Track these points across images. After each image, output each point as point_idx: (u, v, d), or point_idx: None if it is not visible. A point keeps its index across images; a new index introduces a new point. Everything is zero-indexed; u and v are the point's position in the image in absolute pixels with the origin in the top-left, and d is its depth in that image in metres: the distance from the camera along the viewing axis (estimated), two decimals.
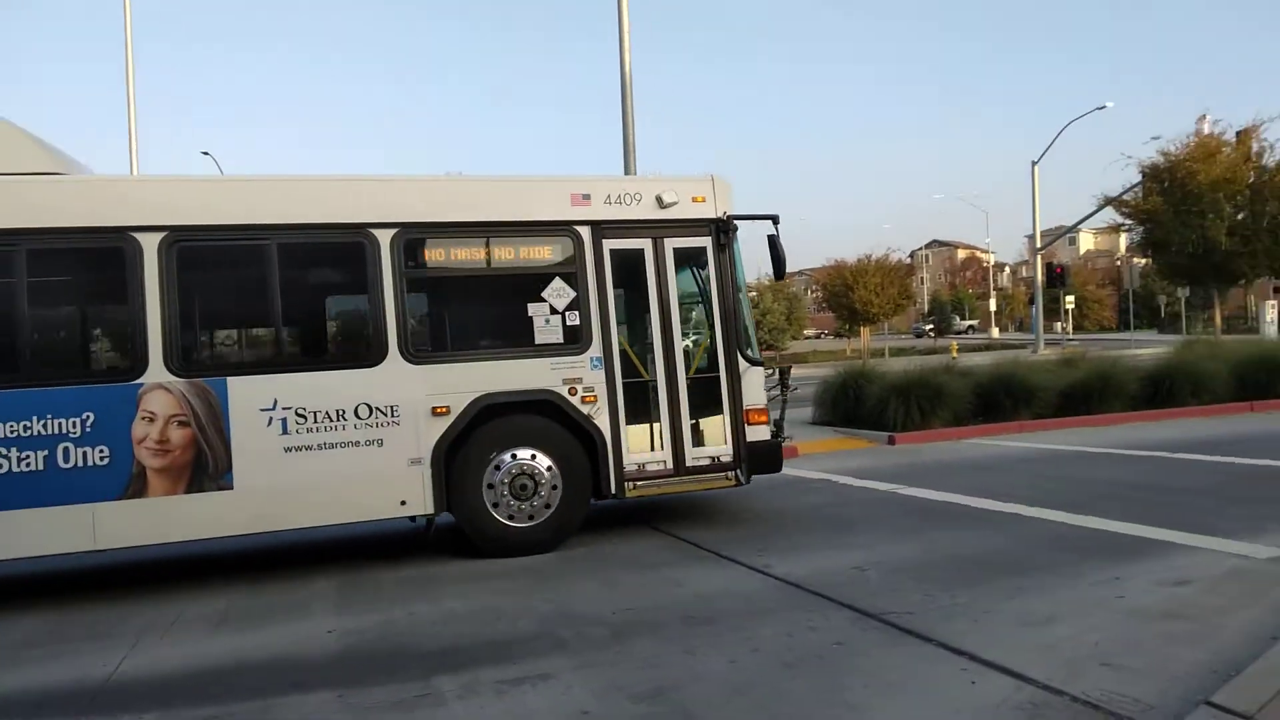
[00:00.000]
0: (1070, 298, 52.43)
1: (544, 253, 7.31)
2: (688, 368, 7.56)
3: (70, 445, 6.09)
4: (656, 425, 7.44)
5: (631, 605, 5.43)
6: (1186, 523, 6.64)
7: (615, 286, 7.40)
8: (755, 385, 7.71)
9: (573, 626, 5.07)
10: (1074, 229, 45.30)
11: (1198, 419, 13.83)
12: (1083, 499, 7.79)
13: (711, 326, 7.69)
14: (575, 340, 7.18)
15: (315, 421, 6.56)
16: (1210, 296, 41.03)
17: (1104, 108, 33.74)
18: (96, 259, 6.54)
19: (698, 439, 7.58)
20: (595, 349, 7.22)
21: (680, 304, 7.63)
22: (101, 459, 6.13)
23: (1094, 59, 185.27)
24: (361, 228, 6.83)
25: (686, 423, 7.49)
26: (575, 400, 7.11)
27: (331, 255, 7.17)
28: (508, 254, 7.22)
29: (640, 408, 7.42)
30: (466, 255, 7.19)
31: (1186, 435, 11.82)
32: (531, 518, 7.02)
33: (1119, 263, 77.99)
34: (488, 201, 7.20)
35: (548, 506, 7.06)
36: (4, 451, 5.99)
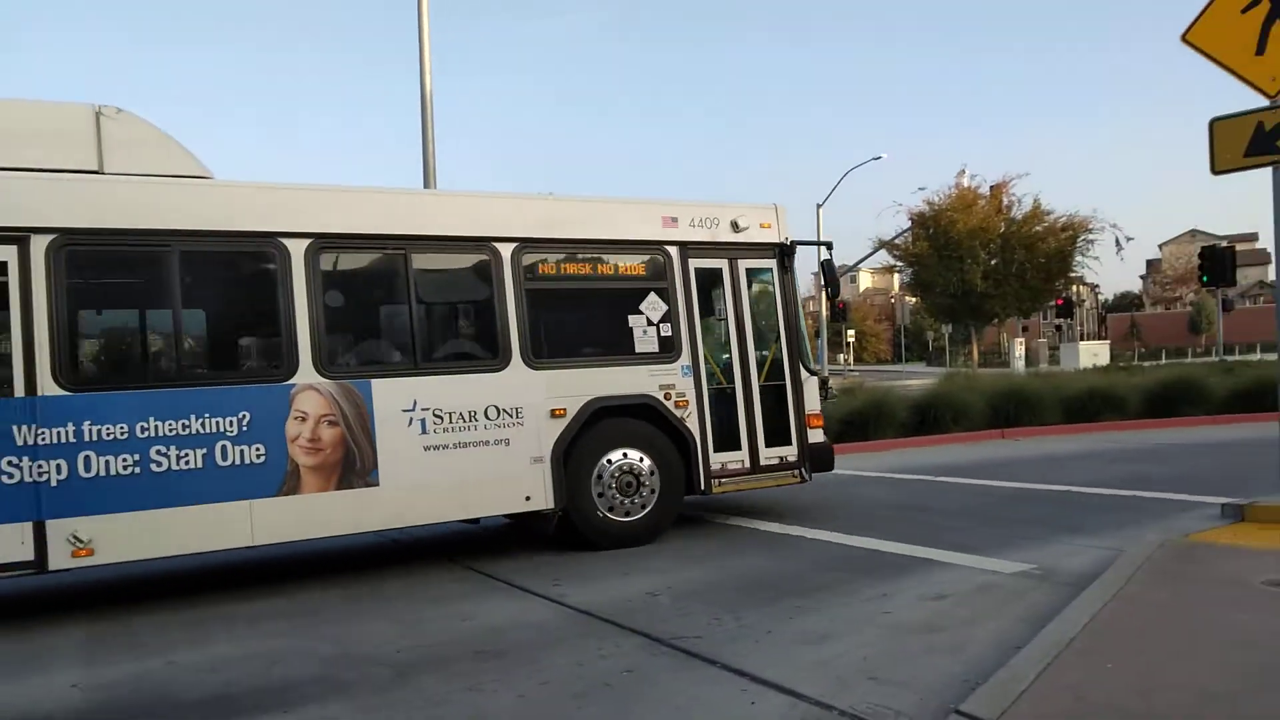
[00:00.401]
0: (851, 331, 56.21)
1: (640, 269, 8.00)
2: (758, 377, 8.34)
3: (228, 443, 6.19)
4: (735, 428, 8.18)
5: (419, 642, 5.23)
6: (946, 541, 7.20)
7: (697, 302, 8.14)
8: (813, 393, 8.62)
9: (356, 668, 4.82)
10: (854, 268, 48.62)
11: (958, 444, 15.03)
12: (858, 520, 8.30)
13: (776, 340, 8.54)
14: (669, 350, 7.87)
15: (450, 422, 6.92)
16: (969, 333, 45.03)
17: (879, 158, 36.57)
18: (247, 262, 6.79)
19: (768, 440, 8.31)
20: (685, 358, 7.92)
21: (750, 319, 8.41)
22: (258, 457, 6.27)
23: (872, 111, 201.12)
24: (486, 241, 7.27)
25: (760, 426, 8.29)
26: (670, 404, 7.79)
27: (459, 265, 7.60)
28: (610, 269, 7.91)
29: (721, 412, 8.14)
30: (575, 269, 7.83)
31: (948, 460, 12.87)
32: (644, 508, 7.66)
33: (893, 300, 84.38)
34: (591, 220, 7.78)
35: (653, 494, 7.70)
36: (164, 450, 6.01)
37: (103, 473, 5.86)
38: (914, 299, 52.13)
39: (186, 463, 6.06)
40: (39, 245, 5.86)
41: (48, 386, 5.80)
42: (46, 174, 6.01)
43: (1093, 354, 43.69)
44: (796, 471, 8.40)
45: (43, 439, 5.75)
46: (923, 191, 45.44)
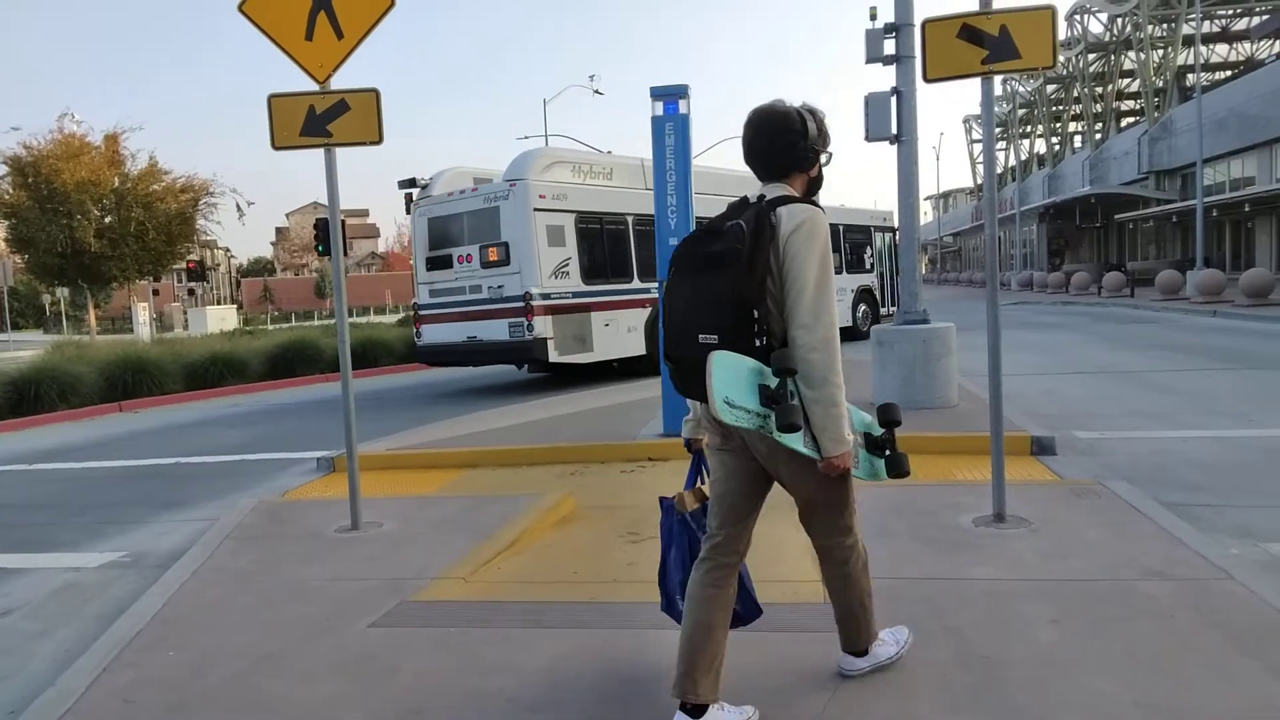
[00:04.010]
0: None
1: (865, 235, 22.01)
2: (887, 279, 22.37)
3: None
4: (883, 300, 22.06)
5: None
6: (21, 542, 6.13)
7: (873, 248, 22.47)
8: (891, 288, 22.34)
9: None
10: None
11: (68, 423, 13.36)
12: None
13: (885, 267, 22.23)
14: (870, 269, 21.88)
15: (845, 294, 20.31)
16: (86, 298, 38.69)
17: None
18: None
19: (884, 306, 22.04)
20: (874, 272, 21.96)
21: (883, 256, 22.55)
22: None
23: None
24: (867, 229, 21.86)
25: (885, 299, 22.14)
26: (875, 289, 21.91)
27: (860, 236, 21.53)
28: (863, 236, 21.92)
29: (881, 293, 22.10)
30: (864, 237, 22.08)
31: (54, 443, 11.19)
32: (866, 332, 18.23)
33: None
34: (863, 215, 22.58)
35: (871, 323, 20.51)
36: None
37: None
38: (17, 257, 41.64)
39: None
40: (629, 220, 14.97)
41: None
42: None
43: (220, 318, 44.44)
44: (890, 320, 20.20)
45: None
46: (17, 132, 35.81)
